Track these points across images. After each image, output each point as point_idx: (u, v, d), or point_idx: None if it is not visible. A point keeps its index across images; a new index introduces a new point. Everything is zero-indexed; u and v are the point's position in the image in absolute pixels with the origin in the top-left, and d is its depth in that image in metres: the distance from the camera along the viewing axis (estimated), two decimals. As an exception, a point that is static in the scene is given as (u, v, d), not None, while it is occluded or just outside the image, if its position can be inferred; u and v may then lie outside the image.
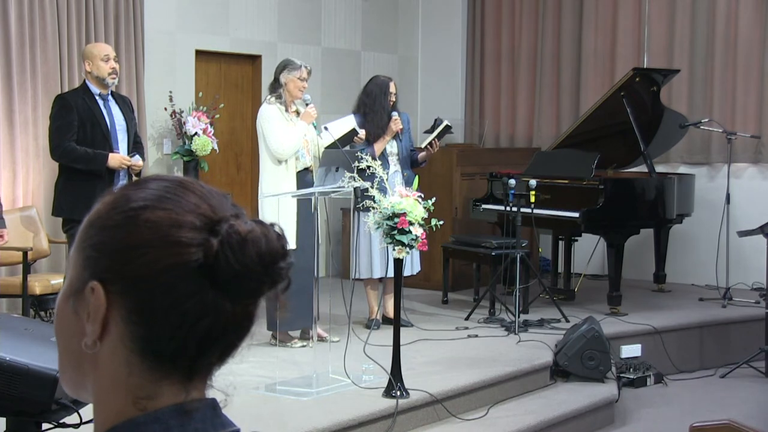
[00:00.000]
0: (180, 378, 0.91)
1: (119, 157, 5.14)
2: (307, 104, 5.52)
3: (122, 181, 5.23)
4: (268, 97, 5.58)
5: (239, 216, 0.93)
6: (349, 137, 5.59)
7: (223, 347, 0.92)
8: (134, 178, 5.36)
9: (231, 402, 0.97)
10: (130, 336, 0.90)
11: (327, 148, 5.50)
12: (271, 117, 5.46)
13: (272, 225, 0.92)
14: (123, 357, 0.90)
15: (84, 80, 5.31)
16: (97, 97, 5.20)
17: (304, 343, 5.45)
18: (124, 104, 5.40)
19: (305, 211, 5.32)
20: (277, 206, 5.18)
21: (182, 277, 0.88)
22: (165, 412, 0.90)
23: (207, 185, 0.96)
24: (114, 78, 5.24)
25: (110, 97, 5.27)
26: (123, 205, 0.92)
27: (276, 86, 5.55)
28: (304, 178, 5.51)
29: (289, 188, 5.37)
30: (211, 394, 0.95)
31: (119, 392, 0.91)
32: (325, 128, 5.52)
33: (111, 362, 0.91)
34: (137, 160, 5.24)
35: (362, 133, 5.74)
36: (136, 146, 5.40)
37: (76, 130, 5.10)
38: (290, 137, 5.41)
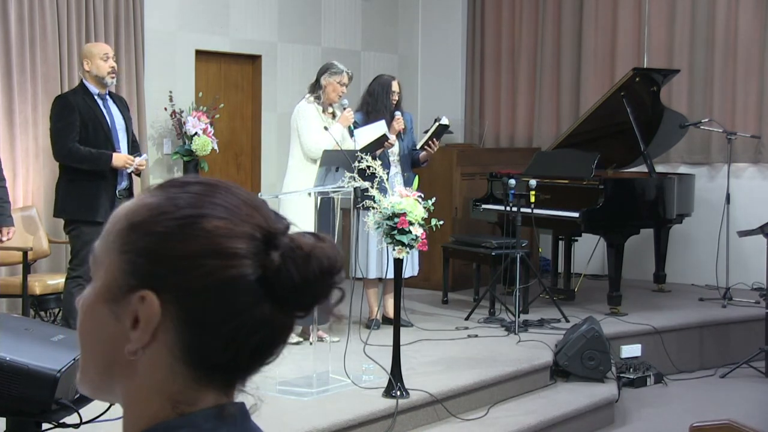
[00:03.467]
0: (222, 385, 0.91)
1: (123, 156, 5.14)
2: (344, 108, 5.61)
3: (124, 182, 5.24)
4: (307, 95, 5.67)
5: (288, 227, 0.92)
6: (380, 142, 5.63)
7: (269, 356, 0.92)
8: (134, 178, 5.36)
9: (260, 408, 0.96)
10: (179, 346, 0.88)
11: (361, 150, 5.56)
12: (308, 115, 5.57)
13: (327, 238, 0.92)
14: (168, 364, 0.89)
15: (81, 80, 5.29)
16: (96, 97, 5.19)
17: (299, 339, 5.46)
18: (121, 104, 5.39)
19: (325, 211, 5.34)
20: (297, 205, 5.19)
21: (239, 290, 0.87)
22: (200, 415, 0.89)
23: (245, 189, 0.94)
24: (113, 77, 5.23)
25: (108, 97, 5.27)
26: (172, 210, 0.89)
27: (316, 87, 5.67)
28: None
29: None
30: (242, 398, 0.94)
31: (158, 398, 0.89)
32: (356, 124, 5.59)
33: (153, 368, 0.89)
34: (143, 159, 5.25)
35: (393, 138, 5.78)
36: (134, 145, 5.39)
37: (79, 131, 5.08)
38: (325, 138, 5.47)
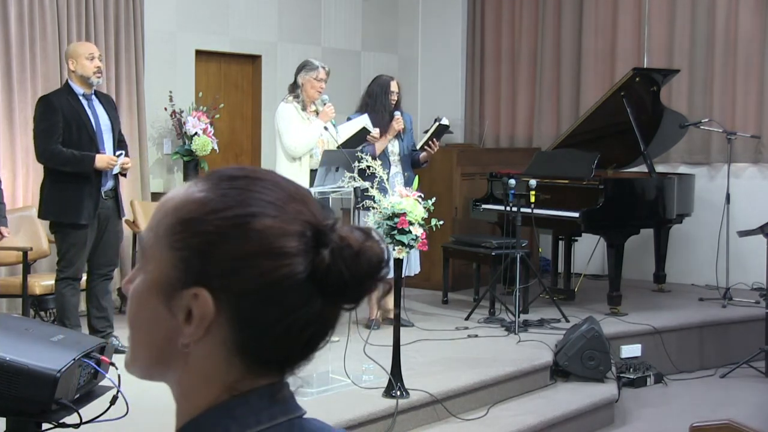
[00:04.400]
0: (276, 372, 0.93)
1: (106, 157, 5.05)
2: (324, 104, 5.59)
3: (109, 183, 5.16)
4: (286, 96, 5.67)
5: (337, 221, 0.93)
6: (362, 136, 5.61)
7: (319, 347, 0.94)
8: (121, 178, 5.31)
9: (303, 391, 1.01)
10: (233, 341, 0.89)
11: (340, 146, 5.56)
12: (287, 115, 5.58)
13: (374, 233, 0.93)
14: (222, 357, 0.90)
15: (66, 80, 5.20)
16: (81, 97, 5.10)
17: None
18: (108, 103, 5.30)
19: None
20: None
21: (291, 289, 0.88)
22: (255, 394, 0.91)
23: (290, 181, 0.95)
24: (99, 77, 5.15)
25: (93, 97, 5.18)
26: (222, 208, 0.89)
27: (294, 86, 5.66)
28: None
29: (303, 185, 5.39)
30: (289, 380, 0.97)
31: (214, 385, 0.91)
32: (349, 118, 5.59)
33: (207, 360, 0.91)
34: (124, 158, 5.16)
35: (375, 131, 5.78)
36: (120, 145, 5.29)
37: (62, 132, 4.99)
38: (305, 135, 5.51)
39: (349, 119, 5.70)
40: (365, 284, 0.90)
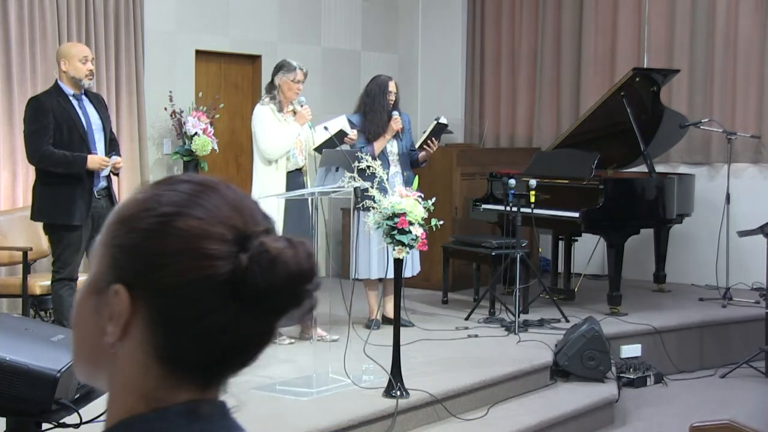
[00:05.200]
0: (196, 385, 0.91)
1: (98, 158, 5.03)
2: (301, 105, 5.52)
3: (102, 183, 5.14)
4: (263, 97, 5.61)
5: (269, 231, 0.92)
6: (339, 138, 5.52)
7: (243, 359, 0.93)
8: (113, 178, 5.30)
9: (243, 408, 0.97)
10: (150, 342, 0.89)
11: (315, 149, 5.53)
12: (262, 118, 5.50)
13: (303, 243, 0.91)
14: (141, 360, 0.90)
15: (56, 81, 5.16)
16: (71, 98, 5.07)
17: (292, 341, 5.46)
18: (98, 103, 5.28)
19: (294, 210, 5.33)
20: (264, 206, 5.18)
21: (208, 290, 0.87)
22: (173, 411, 0.90)
23: (239, 190, 0.95)
24: (90, 79, 5.13)
25: (84, 97, 5.16)
26: (154, 207, 0.91)
27: (271, 87, 5.59)
28: (295, 179, 5.53)
29: (278, 188, 5.38)
30: (224, 398, 0.95)
31: (133, 391, 0.91)
32: (325, 128, 5.52)
33: (128, 363, 0.91)
34: (115, 158, 5.13)
35: (353, 134, 5.70)
36: (111, 144, 5.27)
37: (53, 133, 4.96)
38: (280, 138, 5.43)
39: (326, 128, 5.57)
40: (282, 294, 0.89)
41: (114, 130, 5.57)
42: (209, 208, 0.90)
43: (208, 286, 0.87)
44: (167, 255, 0.88)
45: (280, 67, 5.59)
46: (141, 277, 0.89)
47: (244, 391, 4.32)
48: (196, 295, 0.87)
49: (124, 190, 6.55)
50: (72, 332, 0.97)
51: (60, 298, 5.08)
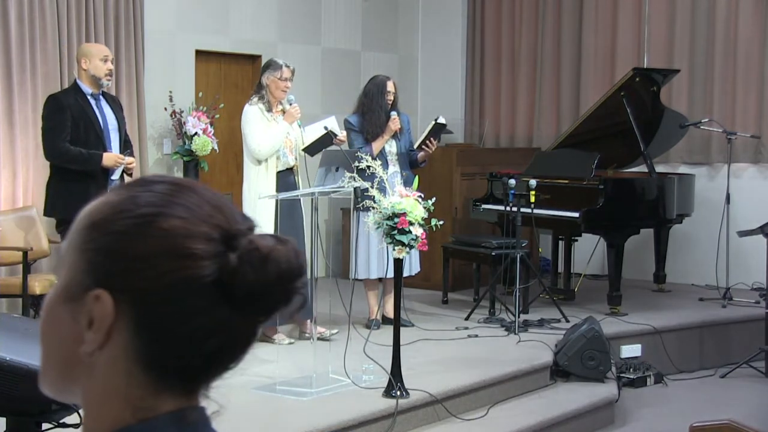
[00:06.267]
0: (182, 390, 0.89)
1: (114, 156, 5.11)
2: (290, 104, 5.52)
3: (116, 181, 5.21)
4: (252, 97, 5.61)
5: (252, 229, 0.90)
6: (327, 138, 5.50)
7: (228, 361, 0.90)
8: (126, 177, 5.34)
9: (223, 413, 0.94)
10: (134, 347, 0.86)
11: (303, 149, 5.53)
12: (251, 118, 5.50)
13: (290, 240, 0.90)
14: (124, 367, 0.87)
15: (75, 80, 5.26)
16: (89, 97, 5.16)
17: (292, 341, 5.46)
18: (114, 104, 5.37)
19: (287, 210, 5.33)
20: (255, 206, 5.20)
21: (194, 292, 0.85)
22: (159, 420, 0.87)
23: (214, 190, 0.92)
24: (109, 79, 5.22)
25: (101, 97, 5.24)
26: (132, 208, 0.88)
27: (259, 87, 5.59)
28: (285, 178, 5.53)
29: (268, 188, 5.38)
30: (204, 403, 0.92)
31: (116, 401, 0.87)
32: (325, 127, 5.52)
33: (109, 371, 0.87)
34: (129, 159, 5.22)
35: (342, 135, 5.68)
36: (125, 145, 5.37)
37: (70, 131, 5.05)
38: (268, 138, 5.42)
39: (325, 128, 5.56)
40: (274, 292, 0.87)
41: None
42: (191, 208, 0.87)
43: (194, 286, 0.85)
44: (150, 256, 0.85)
45: (267, 66, 5.60)
46: (122, 280, 0.85)
47: (245, 392, 4.32)
48: (182, 296, 0.85)
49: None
50: (41, 344, 0.92)
51: None
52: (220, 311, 0.86)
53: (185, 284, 0.85)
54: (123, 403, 0.87)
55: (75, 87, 5.20)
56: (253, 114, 5.51)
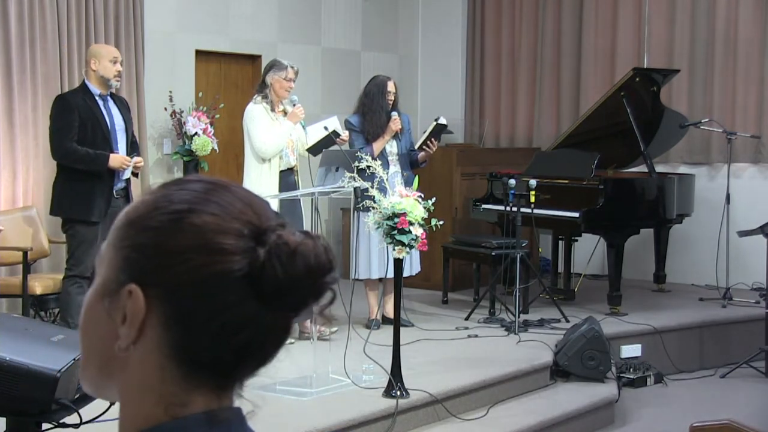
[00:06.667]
0: (214, 386, 0.90)
1: (120, 157, 5.17)
2: (294, 104, 5.54)
3: (121, 183, 5.26)
4: (255, 96, 5.63)
5: (283, 225, 0.91)
6: (331, 138, 5.53)
7: (260, 358, 0.91)
8: (129, 177, 5.36)
9: (258, 413, 0.96)
10: (166, 342, 0.88)
11: (308, 149, 5.54)
12: (256, 116, 5.53)
13: (319, 236, 0.91)
14: (157, 362, 0.89)
15: (83, 81, 5.31)
16: (97, 98, 5.22)
17: (292, 341, 5.46)
18: (122, 105, 5.42)
19: (288, 210, 5.34)
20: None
21: (225, 286, 0.86)
22: (193, 419, 0.89)
23: (246, 189, 0.94)
24: (118, 80, 5.29)
25: (109, 98, 5.29)
26: (165, 205, 0.90)
27: (263, 86, 5.61)
28: (286, 178, 5.56)
29: (271, 188, 5.40)
30: (239, 403, 0.93)
31: (150, 397, 0.89)
32: (325, 128, 5.53)
33: (143, 366, 0.89)
34: (137, 159, 5.27)
35: (345, 134, 5.72)
36: (133, 146, 5.42)
37: (77, 131, 5.11)
38: (274, 136, 5.45)
39: (326, 128, 5.58)
40: (302, 287, 0.88)
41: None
42: (222, 205, 0.89)
43: (224, 281, 0.86)
44: (182, 251, 0.87)
45: (272, 66, 5.62)
46: (155, 275, 0.87)
47: (244, 392, 4.32)
48: (212, 291, 0.86)
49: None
50: (80, 341, 0.95)
51: (68, 296, 5.20)
52: (249, 306, 0.87)
53: (216, 279, 0.86)
54: (156, 399, 0.89)
55: (83, 87, 5.26)
56: (258, 112, 5.54)
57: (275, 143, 5.45)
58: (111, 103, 5.30)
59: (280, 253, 0.87)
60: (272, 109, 5.58)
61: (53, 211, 5.31)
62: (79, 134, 5.11)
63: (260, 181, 5.43)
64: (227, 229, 0.88)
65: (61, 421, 2.13)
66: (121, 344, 0.89)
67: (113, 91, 5.33)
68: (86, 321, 0.94)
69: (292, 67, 5.58)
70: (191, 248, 0.87)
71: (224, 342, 0.87)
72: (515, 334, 5.79)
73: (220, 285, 0.86)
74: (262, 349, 0.90)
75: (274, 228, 0.89)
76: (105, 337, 0.91)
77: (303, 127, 5.58)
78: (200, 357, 0.88)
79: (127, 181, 5.33)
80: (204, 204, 0.89)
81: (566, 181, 6.64)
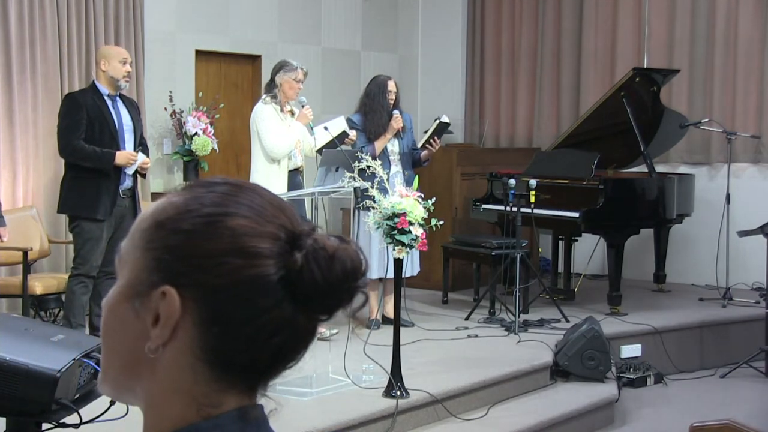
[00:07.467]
0: (244, 388, 0.91)
1: (126, 154, 5.21)
2: (302, 105, 5.55)
3: (128, 183, 5.29)
4: (264, 96, 5.64)
5: (314, 229, 0.92)
6: (341, 138, 5.57)
7: (291, 359, 0.92)
8: (136, 177, 5.37)
9: (280, 412, 0.97)
10: (200, 344, 0.88)
11: (323, 148, 5.54)
12: (266, 116, 5.54)
13: (351, 241, 0.92)
14: (189, 364, 0.89)
15: (93, 81, 5.37)
16: (105, 98, 5.27)
17: None
18: (131, 106, 5.48)
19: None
20: None
21: (261, 290, 0.87)
22: (226, 417, 0.89)
23: (270, 191, 0.95)
24: (128, 81, 5.34)
25: (118, 98, 5.35)
26: (198, 208, 0.90)
27: (272, 86, 5.63)
28: (293, 178, 5.59)
29: (280, 188, 5.42)
30: (261, 401, 0.94)
31: (182, 398, 0.89)
32: (325, 128, 5.53)
33: (174, 368, 0.89)
34: (143, 157, 5.29)
35: (353, 134, 5.74)
36: (143, 148, 5.46)
37: (85, 129, 5.16)
38: (286, 137, 5.47)
39: (326, 128, 5.60)
40: (339, 291, 0.89)
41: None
42: (255, 208, 0.90)
43: (260, 285, 0.87)
44: (217, 254, 0.87)
45: (281, 67, 5.63)
46: (190, 277, 0.87)
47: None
48: (249, 294, 0.87)
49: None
50: (102, 343, 0.94)
51: (72, 294, 5.22)
52: (285, 309, 0.88)
53: (252, 282, 0.87)
54: (188, 399, 0.89)
55: (93, 87, 5.31)
56: (268, 113, 5.56)
57: (286, 143, 5.48)
58: (120, 103, 5.35)
59: (318, 257, 0.88)
60: (281, 110, 5.60)
61: (60, 209, 5.36)
62: (86, 133, 5.16)
63: (269, 181, 5.44)
64: (262, 233, 0.88)
65: (61, 421, 2.13)
66: (152, 345, 0.89)
67: (122, 91, 5.37)
68: (110, 322, 0.93)
69: (301, 69, 5.61)
70: (227, 251, 0.87)
71: (260, 344, 0.88)
72: (515, 334, 5.79)
73: (255, 288, 0.87)
74: (293, 351, 0.91)
75: (308, 232, 0.90)
76: (131, 338, 0.90)
77: (311, 127, 5.59)
78: (235, 359, 0.88)
79: (135, 181, 5.36)
80: (236, 207, 0.89)
81: (566, 181, 6.64)
